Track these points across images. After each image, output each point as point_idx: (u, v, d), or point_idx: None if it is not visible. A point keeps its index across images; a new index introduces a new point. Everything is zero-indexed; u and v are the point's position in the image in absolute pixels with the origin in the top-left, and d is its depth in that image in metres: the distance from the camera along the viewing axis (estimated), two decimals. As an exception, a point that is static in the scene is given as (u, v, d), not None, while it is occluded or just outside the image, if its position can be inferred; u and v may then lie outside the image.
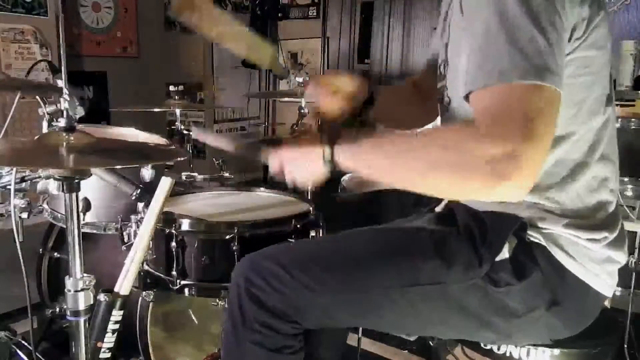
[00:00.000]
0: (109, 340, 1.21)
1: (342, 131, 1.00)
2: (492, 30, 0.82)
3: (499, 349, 1.08)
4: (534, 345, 1.05)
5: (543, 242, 0.97)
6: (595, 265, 0.98)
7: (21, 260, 1.31)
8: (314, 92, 1.29)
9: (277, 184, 1.40)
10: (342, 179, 1.82)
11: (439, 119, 1.28)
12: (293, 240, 1.43)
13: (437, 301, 1.00)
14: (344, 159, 0.97)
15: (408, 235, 1.08)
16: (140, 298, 1.57)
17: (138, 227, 1.45)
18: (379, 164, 0.94)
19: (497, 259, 0.97)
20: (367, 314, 1.05)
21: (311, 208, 1.52)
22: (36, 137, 1.09)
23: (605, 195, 1.00)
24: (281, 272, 1.02)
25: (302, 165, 1.04)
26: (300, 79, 2.17)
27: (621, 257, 1.01)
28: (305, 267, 1.03)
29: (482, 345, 1.10)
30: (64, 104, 1.05)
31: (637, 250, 1.79)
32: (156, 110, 2.60)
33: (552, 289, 0.97)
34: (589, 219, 0.97)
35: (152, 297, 1.53)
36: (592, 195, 0.98)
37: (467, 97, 0.86)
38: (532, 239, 0.97)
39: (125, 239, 1.51)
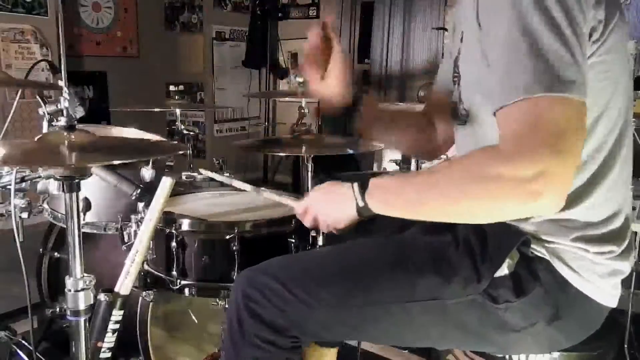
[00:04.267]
0: (109, 340, 1.21)
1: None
2: (513, 44, 0.81)
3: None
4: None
5: (547, 257, 0.95)
6: (599, 279, 0.96)
7: (21, 260, 1.30)
8: (308, 74, 1.25)
9: (277, 185, 1.39)
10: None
11: (451, 150, 1.27)
12: (293, 240, 1.43)
13: (435, 316, 0.99)
14: (375, 200, 0.98)
15: (405, 247, 1.07)
16: (140, 298, 1.57)
17: (138, 227, 1.45)
18: (409, 199, 0.94)
19: (497, 275, 0.95)
20: (366, 329, 1.04)
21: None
22: (37, 137, 1.09)
23: (619, 204, 0.98)
24: (279, 288, 1.02)
25: (332, 208, 1.06)
26: (300, 79, 2.16)
27: (626, 268, 0.99)
28: (303, 283, 1.02)
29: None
30: (64, 103, 1.05)
31: (637, 250, 1.79)
32: (156, 110, 2.60)
33: (554, 303, 0.95)
34: (599, 230, 0.95)
35: (152, 297, 1.52)
36: (607, 205, 0.96)
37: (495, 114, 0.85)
38: (535, 252, 0.95)
39: (126, 239, 1.51)
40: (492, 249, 0.96)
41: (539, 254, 0.95)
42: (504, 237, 0.96)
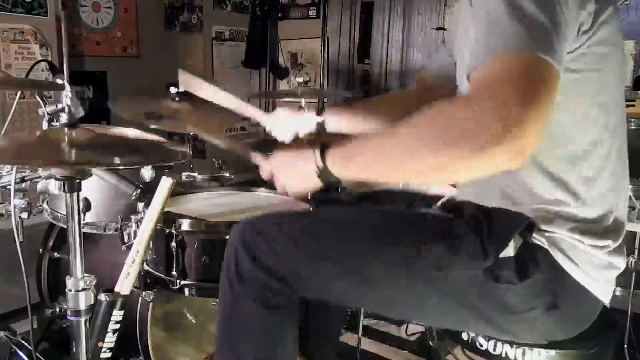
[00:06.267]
0: (109, 340, 1.21)
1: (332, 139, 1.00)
2: (497, 12, 0.79)
3: (494, 349, 1.08)
4: (531, 346, 1.04)
5: (546, 245, 0.95)
6: (596, 270, 0.97)
7: (21, 260, 1.30)
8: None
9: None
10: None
11: None
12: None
13: (436, 285, 0.99)
14: (336, 161, 0.95)
15: (413, 219, 1.07)
16: (140, 298, 1.57)
17: (138, 227, 1.45)
18: (370, 157, 0.89)
19: (502, 255, 0.95)
20: (365, 290, 1.03)
21: (311, 208, 1.52)
22: (38, 134, 1.09)
23: (615, 202, 0.99)
24: (281, 235, 1.01)
25: (294, 172, 1.03)
26: (300, 79, 2.16)
27: (621, 263, 1.01)
28: (307, 235, 1.02)
29: (479, 346, 1.10)
30: (65, 100, 1.05)
31: (637, 250, 1.79)
32: (156, 110, 2.59)
33: (553, 292, 0.96)
34: (595, 225, 0.96)
35: (152, 297, 1.52)
36: (604, 202, 0.97)
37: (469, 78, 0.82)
38: (535, 241, 0.96)
39: (126, 239, 1.51)
40: (498, 228, 0.96)
41: (538, 242, 0.96)
42: (510, 218, 0.96)
